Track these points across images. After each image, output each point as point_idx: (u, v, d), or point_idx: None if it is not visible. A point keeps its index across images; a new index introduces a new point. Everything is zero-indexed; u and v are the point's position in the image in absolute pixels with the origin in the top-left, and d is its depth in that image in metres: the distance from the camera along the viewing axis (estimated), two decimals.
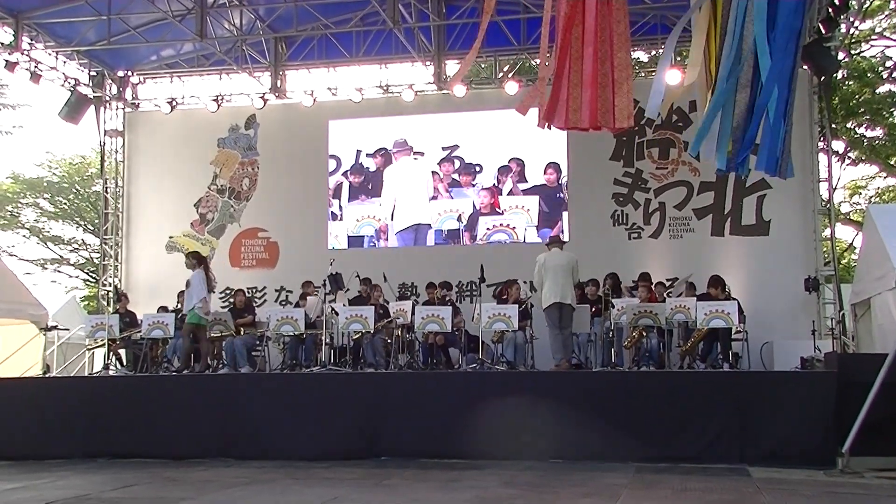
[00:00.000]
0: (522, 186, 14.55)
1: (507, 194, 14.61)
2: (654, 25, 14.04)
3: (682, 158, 13.75)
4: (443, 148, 14.87)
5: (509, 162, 14.59)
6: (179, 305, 12.17)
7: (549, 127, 5.93)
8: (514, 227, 14.49)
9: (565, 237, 14.08)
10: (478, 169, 14.71)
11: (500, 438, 8.44)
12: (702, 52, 5.59)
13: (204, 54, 15.57)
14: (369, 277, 11.86)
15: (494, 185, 14.62)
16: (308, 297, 12.12)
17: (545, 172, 14.44)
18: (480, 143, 14.74)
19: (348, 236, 15.03)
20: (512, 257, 13.57)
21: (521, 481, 7.23)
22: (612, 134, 12.68)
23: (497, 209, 14.59)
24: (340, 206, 15.13)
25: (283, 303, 14.45)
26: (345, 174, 15.17)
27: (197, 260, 10.99)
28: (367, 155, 15.13)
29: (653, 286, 11.44)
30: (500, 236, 14.50)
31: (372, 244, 14.92)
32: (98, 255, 18.70)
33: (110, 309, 14.14)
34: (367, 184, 15.09)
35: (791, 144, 5.48)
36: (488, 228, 14.58)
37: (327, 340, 10.89)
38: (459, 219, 14.59)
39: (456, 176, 14.78)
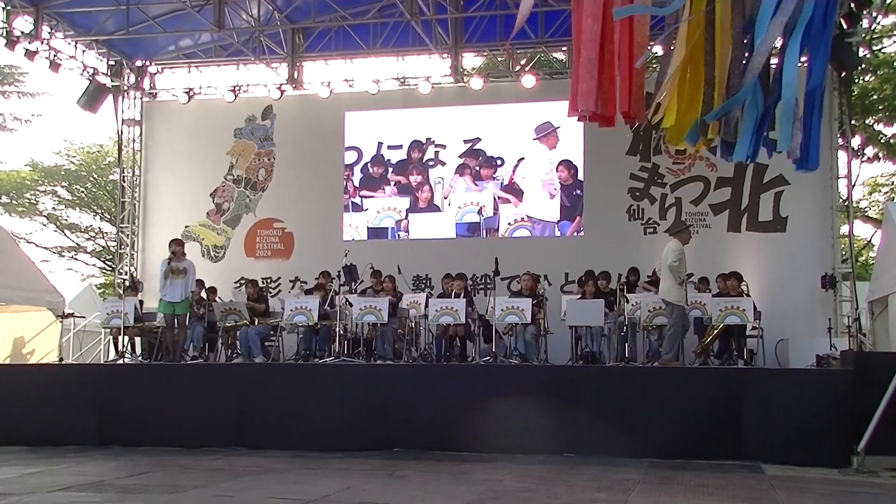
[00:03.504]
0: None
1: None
2: None
3: (699, 153, 13.61)
4: (464, 141, 14.84)
5: (528, 156, 14.50)
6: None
7: (593, 114, 5.84)
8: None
9: (582, 232, 14.10)
10: (499, 162, 14.65)
11: (513, 432, 8.44)
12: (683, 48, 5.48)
13: (221, 45, 15.59)
14: (380, 270, 11.86)
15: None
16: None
17: (557, 170, 14.37)
18: (500, 136, 14.65)
19: (368, 227, 15.03)
20: (531, 251, 13.55)
21: (534, 475, 7.24)
22: (629, 128, 12.63)
23: (521, 188, 14.47)
24: (361, 198, 15.13)
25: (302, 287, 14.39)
26: (366, 166, 15.16)
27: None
28: (389, 147, 15.11)
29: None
30: (522, 232, 14.45)
31: (395, 236, 14.92)
32: (114, 243, 18.83)
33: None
34: (389, 175, 15.05)
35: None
36: (510, 223, 14.54)
37: (341, 331, 10.91)
38: (480, 212, 14.53)
39: (478, 169, 14.74)
